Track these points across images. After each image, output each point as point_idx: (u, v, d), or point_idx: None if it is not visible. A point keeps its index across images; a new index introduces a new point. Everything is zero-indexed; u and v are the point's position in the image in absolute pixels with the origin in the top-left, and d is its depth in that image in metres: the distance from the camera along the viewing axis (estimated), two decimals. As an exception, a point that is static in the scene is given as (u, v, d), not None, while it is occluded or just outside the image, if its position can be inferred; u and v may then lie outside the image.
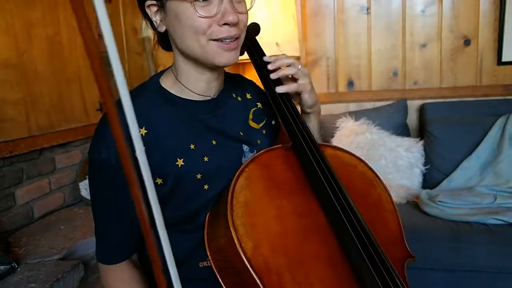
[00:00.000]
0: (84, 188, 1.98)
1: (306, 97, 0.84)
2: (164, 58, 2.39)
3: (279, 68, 0.82)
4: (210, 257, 0.67)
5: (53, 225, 1.72)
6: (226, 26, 0.69)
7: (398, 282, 0.60)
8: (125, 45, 2.46)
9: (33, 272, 1.28)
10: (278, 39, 1.93)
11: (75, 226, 1.71)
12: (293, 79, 0.83)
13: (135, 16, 2.43)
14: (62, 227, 1.69)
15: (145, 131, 0.71)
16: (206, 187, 0.74)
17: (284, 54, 0.84)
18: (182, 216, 0.75)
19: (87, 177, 2.01)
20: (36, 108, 1.73)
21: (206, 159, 0.75)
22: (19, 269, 1.31)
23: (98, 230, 0.78)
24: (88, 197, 1.97)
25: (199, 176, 0.74)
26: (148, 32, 2.42)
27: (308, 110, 0.87)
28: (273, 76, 0.81)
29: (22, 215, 1.69)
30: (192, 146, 0.74)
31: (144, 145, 0.74)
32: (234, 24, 0.70)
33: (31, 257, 1.40)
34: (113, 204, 0.74)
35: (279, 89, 0.80)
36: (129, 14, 2.43)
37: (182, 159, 0.73)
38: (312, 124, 0.89)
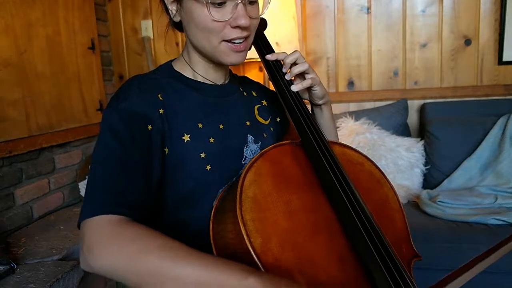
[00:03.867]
0: (83, 188, 1.98)
1: (318, 90, 0.86)
2: (164, 58, 2.39)
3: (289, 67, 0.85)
4: (215, 253, 0.67)
5: (53, 225, 1.71)
6: (237, 29, 0.73)
7: (409, 281, 0.59)
8: (125, 45, 2.46)
9: (32, 273, 1.28)
10: (278, 39, 1.92)
11: (75, 226, 1.69)
12: (302, 75, 0.85)
13: (135, 16, 2.43)
14: (61, 227, 1.69)
15: (162, 98, 0.75)
16: (208, 167, 0.75)
17: (284, 52, 0.85)
18: (184, 197, 0.75)
19: (87, 177, 2.00)
20: (36, 108, 1.73)
21: (211, 140, 0.77)
22: (18, 269, 1.31)
23: (96, 179, 0.65)
24: (88, 197, 1.97)
25: (203, 155, 0.75)
26: (148, 32, 2.42)
27: (320, 102, 0.89)
28: (287, 77, 0.84)
29: (22, 215, 1.69)
30: (200, 125, 0.77)
31: (162, 109, 0.72)
32: (245, 28, 0.73)
33: (31, 257, 1.39)
34: (126, 147, 0.67)
35: (294, 88, 0.83)
36: (129, 14, 2.43)
37: (189, 135, 0.75)
38: (326, 115, 0.91)
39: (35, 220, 1.76)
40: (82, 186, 1.98)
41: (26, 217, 1.71)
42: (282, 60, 0.85)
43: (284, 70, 0.84)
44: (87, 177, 2.12)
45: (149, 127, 0.70)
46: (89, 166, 0.68)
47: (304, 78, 0.85)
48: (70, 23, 1.98)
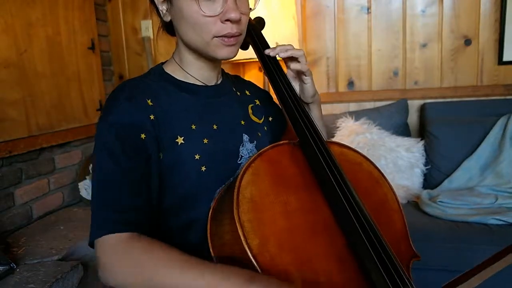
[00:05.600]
0: (83, 188, 1.98)
1: (309, 85, 0.87)
2: (164, 58, 2.39)
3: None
4: (213, 254, 0.67)
5: (53, 225, 1.71)
6: (228, 23, 0.72)
7: (406, 281, 0.59)
8: (125, 45, 2.47)
9: (32, 273, 1.28)
10: (278, 39, 1.92)
11: (75, 226, 1.70)
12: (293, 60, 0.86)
13: (135, 16, 2.43)
14: (61, 228, 1.69)
15: (151, 104, 0.74)
16: (203, 168, 0.75)
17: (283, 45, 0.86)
18: (181, 199, 0.75)
19: (86, 177, 2.01)
20: (36, 108, 1.73)
21: (205, 141, 0.76)
22: (18, 269, 1.31)
23: (98, 199, 0.67)
24: (88, 197, 1.97)
25: (197, 156, 0.75)
26: (148, 32, 2.42)
27: (311, 100, 0.89)
28: (269, 52, 0.85)
29: (21, 215, 1.69)
30: (193, 126, 0.76)
31: (153, 115, 0.71)
32: (236, 22, 0.72)
33: (30, 257, 1.39)
34: (120, 165, 0.67)
35: (293, 66, 0.84)
36: (129, 14, 2.43)
37: (182, 137, 0.74)
38: (315, 114, 0.92)
39: (35, 220, 1.76)
40: (82, 186, 1.98)
41: (26, 217, 1.71)
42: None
43: (271, 53, 0.85)
44: (87, 177, 2.13)
45: (143, 136, 0.70)
46: (91, 184, 0.70)
47: (298, 76, 0.86)
48: (70, 23, 1.98)
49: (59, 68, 1.89)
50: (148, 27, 2.41)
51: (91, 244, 0.66)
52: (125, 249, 0.62)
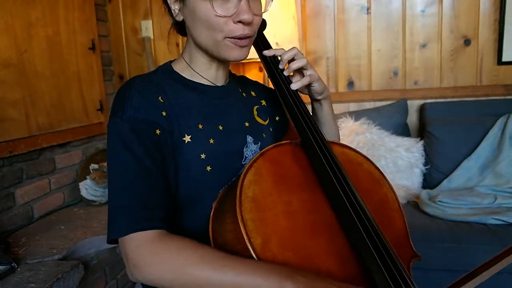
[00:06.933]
0: (84, 188, 1.98)
1: (316, 86, 0.86)
2: (164, 58, 2.39)
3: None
4: None
5: (53, 225, 1.72)
6: (240, 24, 0.72)
7: (408, 281, 0.59)
8: (125, 45, 2.47)
9: (33, 272, 1.28)
10: (278, 39, 1.93)
11: (75, 226, 1.71)
12: (300, 71, 0.85)
13: (135, 16, 2.43)
14: (62, 227, 1.69)
15: (162, 100, 0.74)
16: (208, 168, 0.75)
17: (282, 49, 0.85)
18: (185, 198, 0.75)
19: (87, 177, 2.01)
20: (36, 108, 1.73)
21: (211, 141, 0.77)
22: (18, 269, 1.31)
23: (123, 195, 0.66)
24: (88, 197, 1.97)
25: (203, 156, 0.75)
26: (148, 32, 2.42)
27: (319, 97, 0.89)
28: (286, 73, 0.83)
29: (22, 215, 1.69)
30: (200, 126, 0.77)
31: (165, 111, 0.71)
32: (248, 23, 0.73)
33: (31, 257, 1.40)
34: (143, 160, 0.67)
35: (294, 86, 0.82)
36: (129, 14, 2.43)
37: (189, 136, 0.75)
38: (326, 110, 0.91)
39: (35, 220, 1.76)
40: (83, 186, 1.98)
41: (26, 217, 1.72)
42: (280, 56, 0.85)
43: (281, 67, 0.84)
44: (87, 177, 2.12)
45: (157, 131, 0.70)
46: (108, 181, 0.68)
47: (303, 74, 0.84)
48: (70, 23, 1.98)
49: (59, 68, 1.90)
50: (148, 27, 2.41)
51: (112, 241, 0.65)
52: (161, 247, 0.61)
